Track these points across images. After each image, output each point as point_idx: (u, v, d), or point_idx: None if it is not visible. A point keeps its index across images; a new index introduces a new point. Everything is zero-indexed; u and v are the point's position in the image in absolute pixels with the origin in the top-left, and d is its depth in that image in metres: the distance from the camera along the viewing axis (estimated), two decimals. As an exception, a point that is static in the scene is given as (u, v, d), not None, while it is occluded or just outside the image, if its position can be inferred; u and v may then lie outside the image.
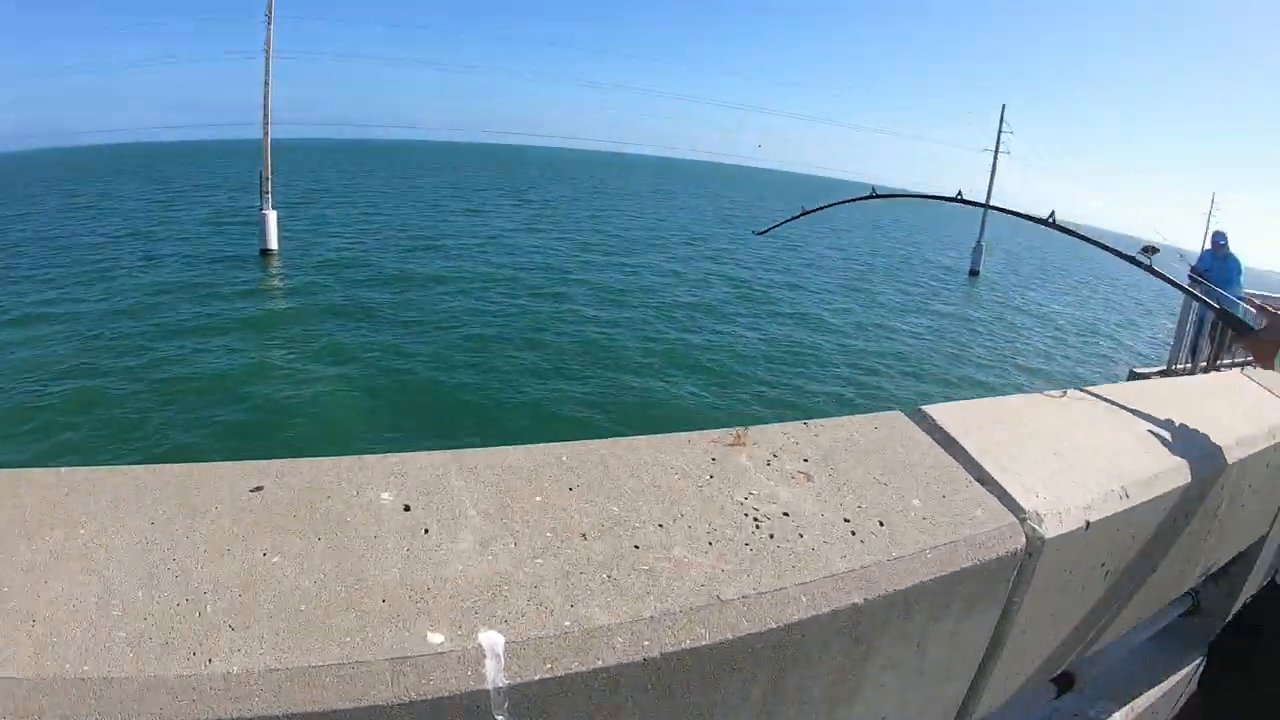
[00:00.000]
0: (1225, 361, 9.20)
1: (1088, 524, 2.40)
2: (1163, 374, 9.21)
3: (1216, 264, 9.00)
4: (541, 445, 1.84)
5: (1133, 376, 9.41)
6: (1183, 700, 3.90)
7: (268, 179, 32.61)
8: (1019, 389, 23.50)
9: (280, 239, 33.35)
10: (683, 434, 2.08)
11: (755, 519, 1.86)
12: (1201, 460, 2.97)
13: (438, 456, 1.72)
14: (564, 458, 1.84)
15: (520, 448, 1.80)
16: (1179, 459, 2.90)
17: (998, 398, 2.89)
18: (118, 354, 19.50)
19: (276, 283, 29.30)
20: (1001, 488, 2.32)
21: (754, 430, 2.17)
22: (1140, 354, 34.87)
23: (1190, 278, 9.28)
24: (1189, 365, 8.99)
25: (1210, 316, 8.79)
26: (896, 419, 2.51)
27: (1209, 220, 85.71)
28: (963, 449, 2.42)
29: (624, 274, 36.41)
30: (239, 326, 22.87)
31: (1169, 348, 10.06)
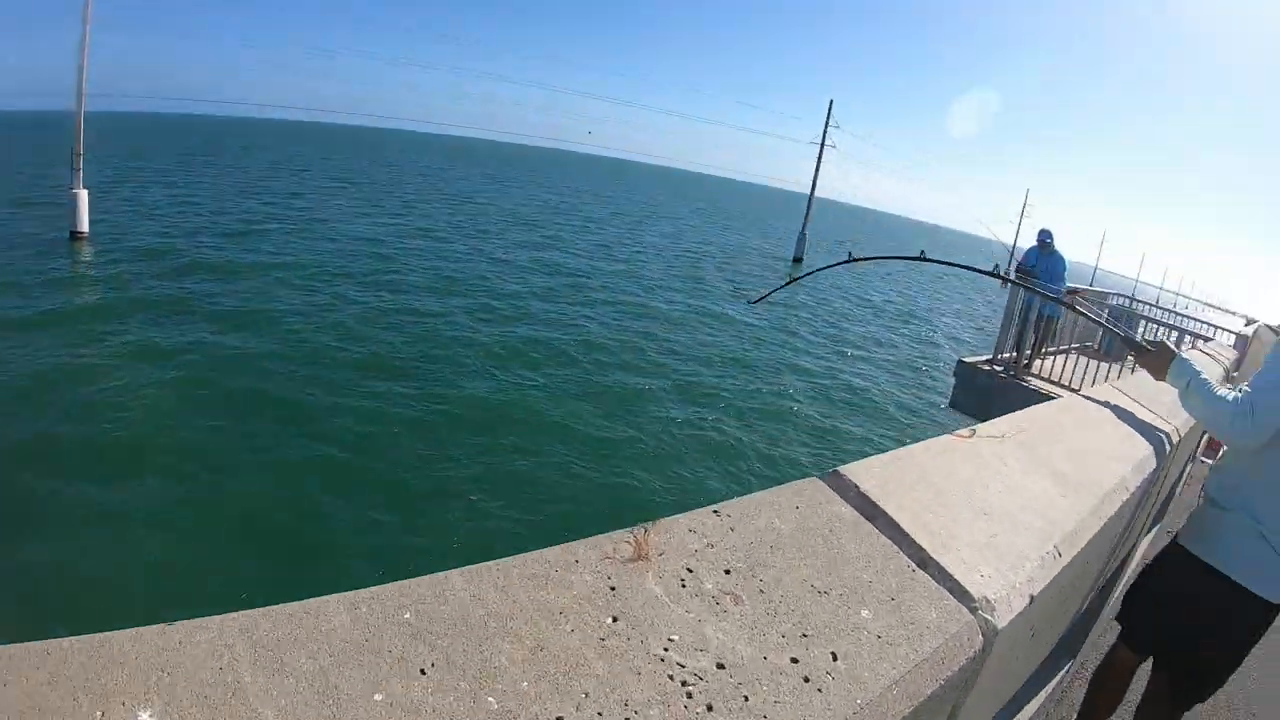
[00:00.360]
0: (1050, 350, 9.93)
1: (1031, 599, 2.11)
2: (989, 362, 9.68)
3: (1043, 260, 9.54)
4: (374, 591, 1.22)
5: (961, 366, 9.83)
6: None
7: (79, 155, 28.72)
8: (851, 374, 24.33)
9: (91, 221, 29.28)
10: (567, 547, 1.47)
11: (684, 682, 1.29)
12: (1111, 495, 2.87)
13: (223, 623, 1.09)
14: (409, 617, 1.19)
15: (346, 603, 1.17)
16: (1092, 499, 2.77)
17: (907, 448, 2.53)
18: None
19: (86, 270, 25.58)
20: (944, 571, 1.93)
21: (655, 531, 1.60)
22: (956, 337, 37.50)
23: (1017, 273, 9.84)
24: (1013, 355, 9.50)
25: (1036, 309, 9.31)
26: (813, 487, 2.03)
27: (1022, 215, 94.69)
28: (893, 522, 2.00)
29: (454, 261, 34.67)
30: (40, 321, 19.69)
31: (994, 336, 10.93)
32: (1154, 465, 3.32)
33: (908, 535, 1.99)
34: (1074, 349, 10.33)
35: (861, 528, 1.94)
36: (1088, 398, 3.83)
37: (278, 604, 1.17)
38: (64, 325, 19.71)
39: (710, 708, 1.28)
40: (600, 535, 1.55)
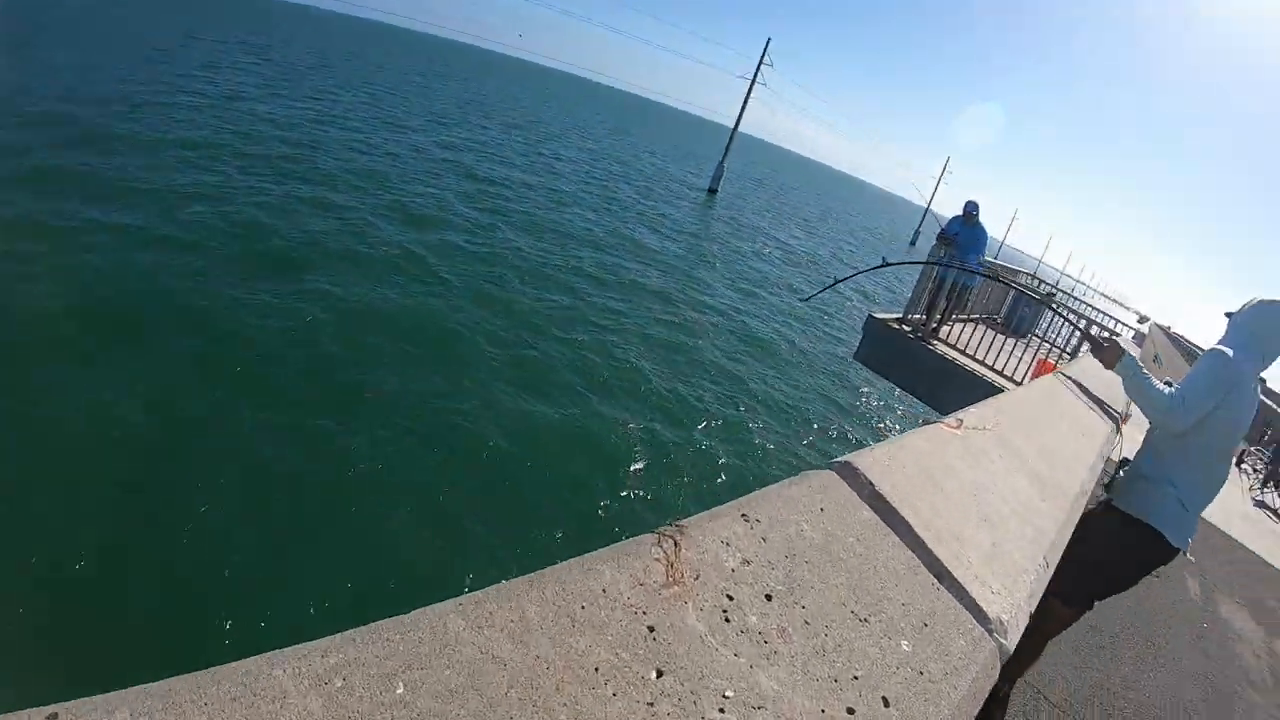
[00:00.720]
0: (959, 317, 10.02)
1: (1030, 617, 1.99)
2: (899, 321, 9.72)
3: (965, 231, 9.54)
4: (348, 647, 0.87)
5: (871, 321, 9.82)
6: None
7: None
8: (757, 316, 24.12)
9: None
10: (588, 567, 1.16)
11: (746, 755, 1.03)
12: (1077, 500, 3.00)
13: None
14: (401, 692, 0.86)
15: (311, 674, 0.82)
16: (1065, 503, 2.84)
17: (906, 437, 2.36)
18: None
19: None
20: (961, 588, 1.77)
21: (685, 542, 1.31)
22: (861, 290, 37.75)
23: (938, 239, 9.88)
24: (923, 318, 9.55)
25: (952, 278, 9.31)
26: (832, 483, 1.81)
27: (939, 181, 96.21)
28: (911, 529, 1.81)
29: (371, 155, 32.31)
30: None
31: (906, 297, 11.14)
32: (1102, 463, 3.46)
33: (926, 546, 1.81)
34: (979, 319, 10.52)
35: (886, 539, 1.74)
36: (1050, 382, 3.82)
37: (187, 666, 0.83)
38: None
39: (779, 787, 1.02)
40: (622, 545, 1.25)
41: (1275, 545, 10.44)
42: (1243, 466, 15.76)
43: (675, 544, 1.28)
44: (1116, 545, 3.39)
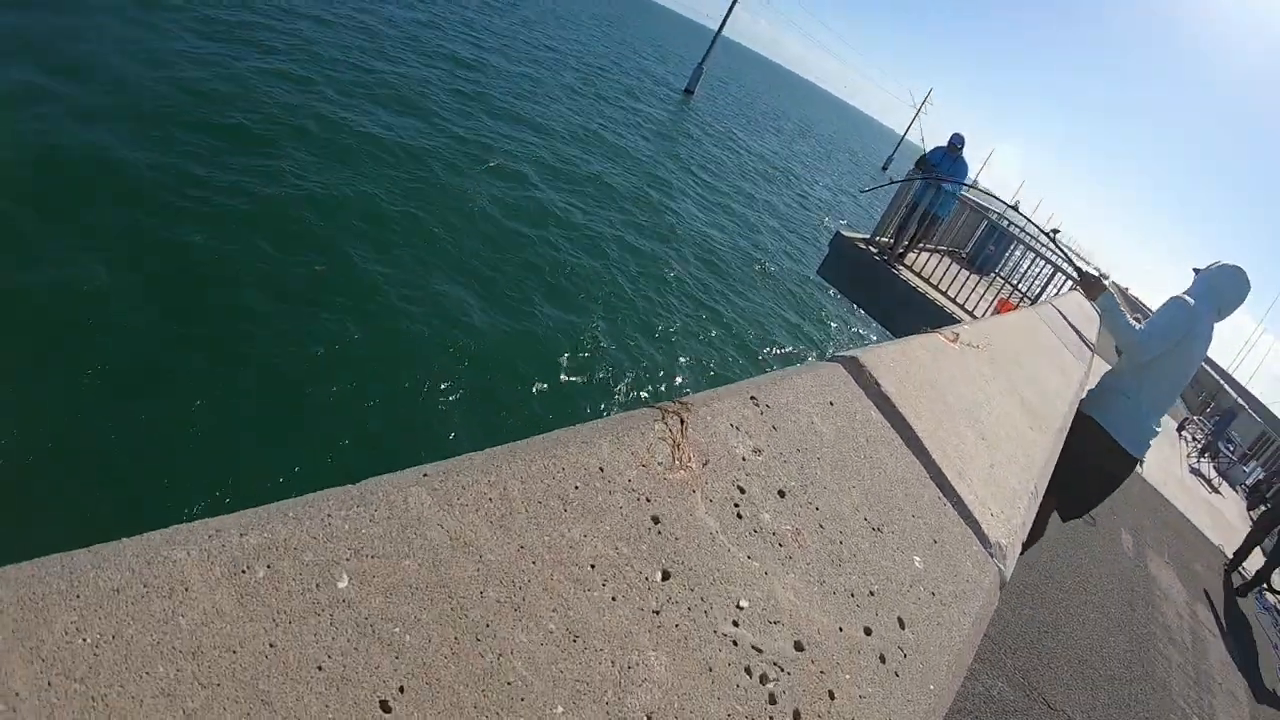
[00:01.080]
0: (925, 247, 9.82)
1: (1022, 546, 1.85)
2: (866, 242, 9.52)
3: (947, 162, 9.29)
4: (275, 521, 0.61)
5: (838, 238, 9.60)
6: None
7: None
8: (712, 217, 23.48)
9: None
10: (582, 437, 0.92)
11: (764, 677, 0.83)
12: (1060, 432, 2.94)
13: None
14: (344, 586, 0.61)
15: (227, 558, 0.57)
16: (1051, 434, 2.77)
17: (906, 341, 2.19)
18: None
19: None
20: (965, 508, 1.63)
21: (691, 421, 1.08)
22: (819, 203, 36.89)
23: (917, 165, 9.63)
24: (891, 242, 9.36)
25: (924, 205, 9.10)
26: (839, 377, 1.62)
27: (919, 110, 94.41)
28: (917, 437, 1.64)
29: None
30: None
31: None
32: (1079, 394, 3.50)
33: (931, 457, 1.64)
34: (945, 251, 10.37)
35: (894, 443, 1.55)
36: (1028, 317, 3.72)
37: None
38: None
39: (798, 715, 0.83)
40: (621, 418, 1.02)
41: (1206, 513, 10.85)
42: (1183, 434, 16.27)
43: (682, 422, 1.05)
44: (1082, 452, 3.72)
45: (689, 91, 50.70)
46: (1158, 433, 3.87)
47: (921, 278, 9.13)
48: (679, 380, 12.35)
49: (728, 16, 53.44)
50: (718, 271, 18.86)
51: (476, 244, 14.03)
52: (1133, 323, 3.81)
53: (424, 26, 33.90)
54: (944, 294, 8.74)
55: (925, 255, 9.85)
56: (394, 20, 33.07)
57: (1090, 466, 3.83)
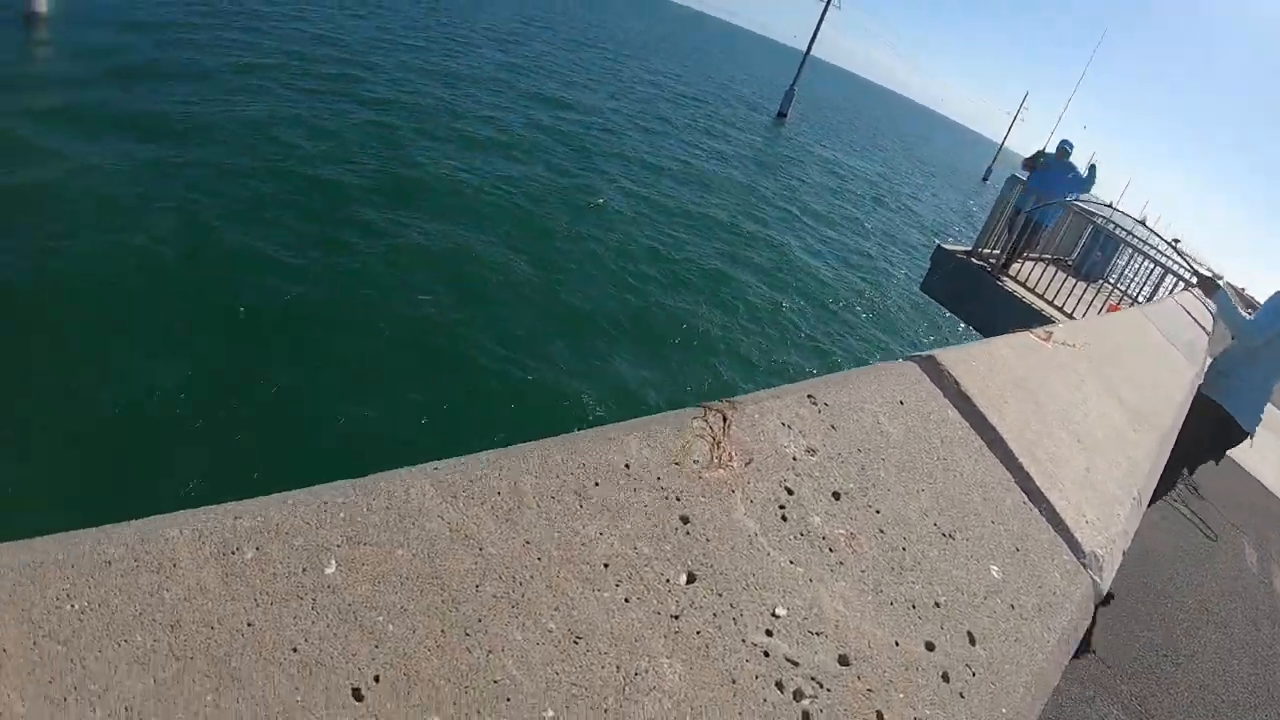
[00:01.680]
0: (1030, 256, 9.26)
1: (1123, 554, 1.66)
2: (968, 254, 9.09)
3: (1057, 168, 8.80)
4: (268, 509, 0.59)
5: (940, 251, 9.22)
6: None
7: None
8: (823, 244, 22.98)
9: (50, 2, 24.47)
10: (609, 436, 0.86)
11: (797, 693, 0.74)
12: (1167, 435, 2.65)
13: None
14: (332, 572, 0.58)
15: (216, 537, 0.56)
16: (1156, 437, 2.49)
17: (992, 341, 2.03)
18: None
19: (45, 48, 21.68)
20: (1055, 514, 1.48)
21: (736, 419, 1.00)
22: (922, 221, 35.34)
23: (1024, 164, 9.16)
24: (995, 252, 8.90)
25: (1025, 213, 8.61)
26: (913, 374, 1.49)
27: (1016, 117, 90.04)
28: (1001, 439, 1.50)
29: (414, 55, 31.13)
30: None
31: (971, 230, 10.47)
32: (1190, 394, 3.58)
33: (1017, 459, 1.49)
34: (1050, 259, 9.77)
35: (973, 444, 1.41)
36: (1133, 316, 3.44)
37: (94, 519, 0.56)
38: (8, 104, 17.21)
39: (840, 744, 0.73)
40: (659, 416, 0.95)
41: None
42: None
43: (725, 420, 0.97)
44: (1199, 424, 3.88)
45: (782, 115, 49.98)
46: (1263, 412, 4.25)
47: (1025, 286, 8.63)
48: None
49: (814, 39, 52.61)
50: (819, 299, 18.35)
51: (576, 278, 14.13)
52: (1245, 314, 4.25)
53: (513, 70, 34.48)
54: (1049, 302, 8.22)
55: (1029, 264, 9.29)
56: (481, 65, 34.00)
57: (1203, 435, 4.06)
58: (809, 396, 1.16)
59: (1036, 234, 9.00)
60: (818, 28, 52.61)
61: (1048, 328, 2.37)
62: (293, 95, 21.26)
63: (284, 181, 15.06)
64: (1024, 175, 8.81)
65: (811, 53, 52.07)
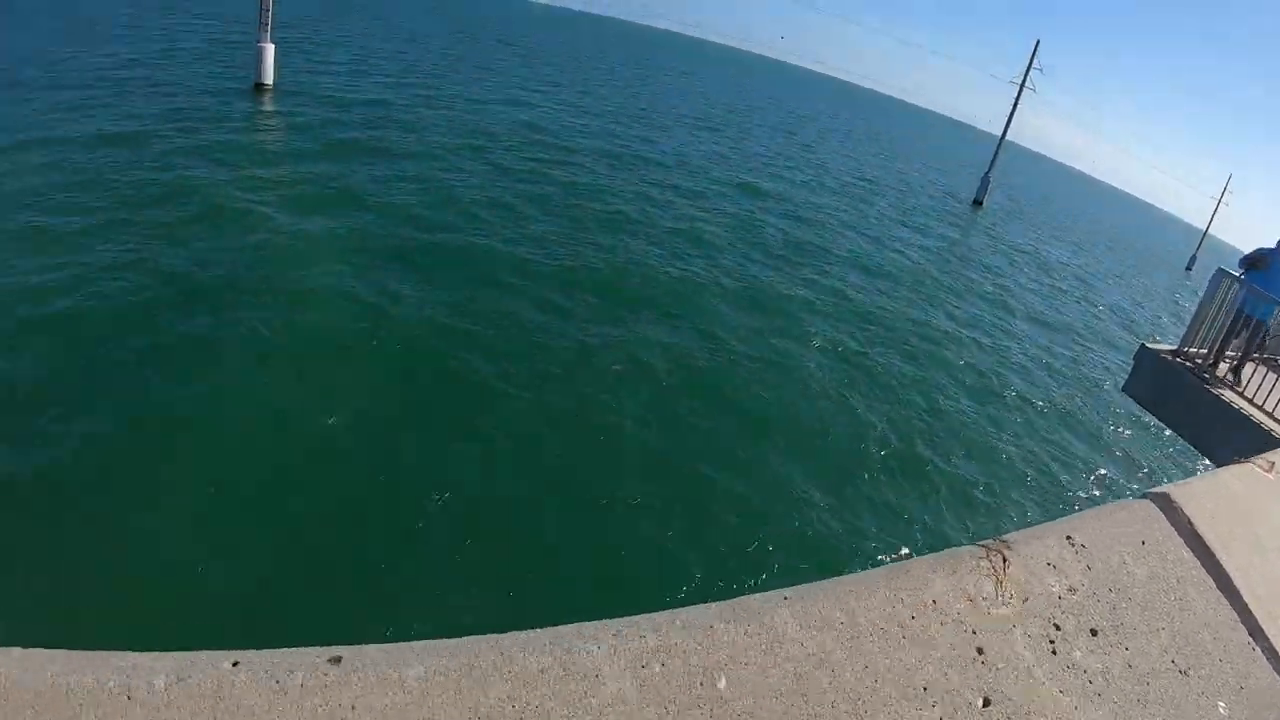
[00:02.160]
0: (1254, 357, 8.21)
1: None
2: (1174, 354, 8.33)
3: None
4: (660, 630, 0.84)
5: (1143, 351, 8.51)
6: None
7: (267, 10, 27.42)
8: (1012, 340, 21.54)
9: (276, 73, 28.07)
10: (918, 566, 1.09)
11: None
12: None
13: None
14: (723, 686, 0.83)
15: (629, 656, 0.80)
16: None
17: (1218, 474, 2.08)
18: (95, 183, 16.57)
19: (266, 120, 24.85)
20: (1276, 653, 1.52)
21: (1013, 558, 1.20)
22: (1128, 317, 32.06)
23: (1241, 263, 8.36)
24: (1206, 353, 8.05)
25: (1246, 313, 7.77)
26: (1151, 515, 1.62)
27: (1220, 201, 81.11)
28: (1228, 579, 1.58)
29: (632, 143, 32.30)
30: (227, 162, 19.54)
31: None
32: None
33: (1243, 600, 1.57)
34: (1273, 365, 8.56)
35: (1205, 584, 1.52)
36: None
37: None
38: (235, 168, 19.49)
39: None
40: (948, 554, 1.17)
41: None
42: None
43: (1004, 560, 1.18)
44: None
45: (978, 203, 48.20)
46: None
47: (1245, 397, 7.78)
48: (987, 513, 11.57)
49: (1010, 122, 50.27)
50: (1013, 401, 17.15)
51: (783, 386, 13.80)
52: None
53: (719, 162, 34.49)
54: (1269, 414, 7.35)
55: (1250, 367, 8.27)
56: (685, 155, 34.46)
57: None
58: (1067, 538, 1.34)
59: (1257, 333, 8.08)
60: (1012, 111, 50.21)
61: (1269, 456, 2.35)
62: (497, 174, 22.90)
63: (487, 260, 16.23)
64: (1238, 271, 7.98)
65: (993, 130, 49.55)
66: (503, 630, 0.79)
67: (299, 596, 7.45)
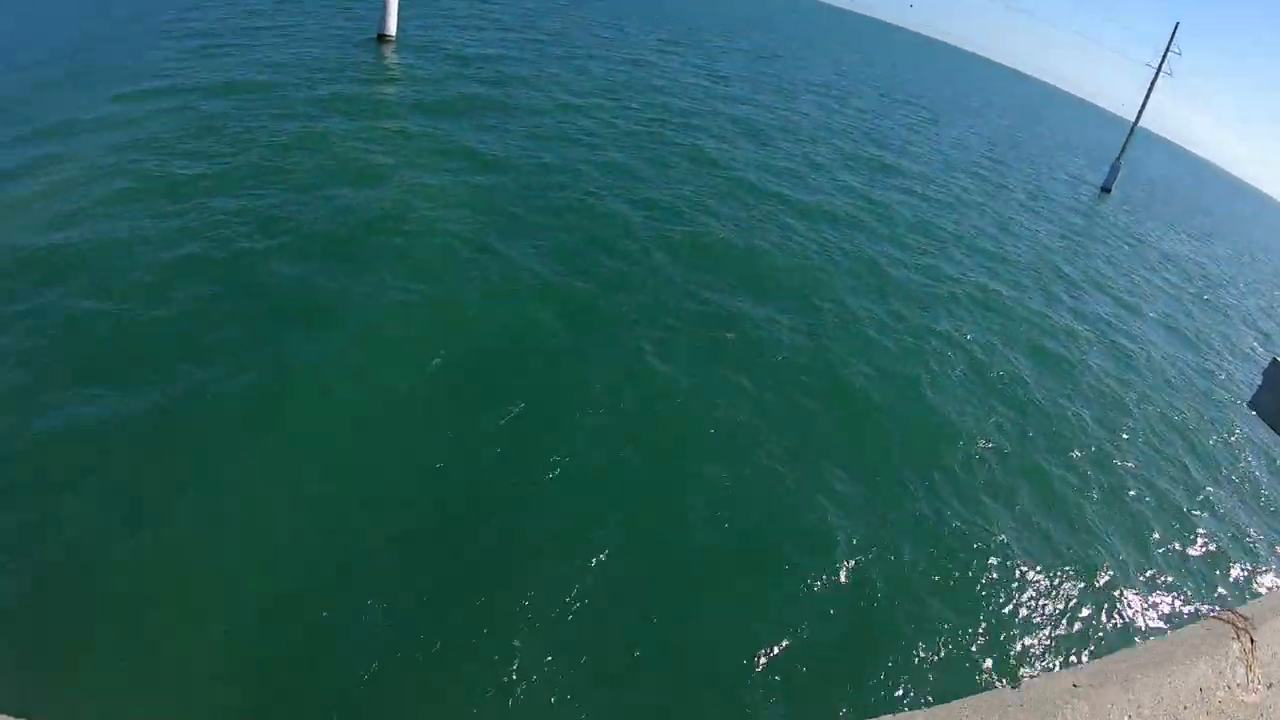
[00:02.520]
0: None
1: None
2: None
3: None
4: None
5: (1272, 366, 7.91)
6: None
7: None
8: (1138, 344, 20.07)
9: (399, 25, 28.25)
10: (1168, 649, 1.10)
11: None
12: None
13: None
14: None
15: None
16: None
17: None
18: (214, 133, 17.17)
19: (388, 71, 25.10)
20: None
21: (1260, 637, 1.20)
22: (1257, 326, 28.97)
23: None
24: None
25: None
26: None
27: None
28: None
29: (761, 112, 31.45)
30: (350, 113, 19.90)
31: None
32: None
33: None
34: None
35: None
36: None
37: None
38: (358, 120, 19.38)
39: None
40: (1191, 632, 1.19)
41: None
42: None
43: (1253, 641, 1.18)
44: None
45: (1106, 190, 45.23)
46: None
47: None
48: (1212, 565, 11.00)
49: (1144, 107, 46.57)
50: (1138, 413, 15.86)
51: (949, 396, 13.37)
52: None
53: (841, 135, 33.02)
54: None
55: None
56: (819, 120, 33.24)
57: None
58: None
59: None
60: (1146, 96, 46.64)
61: None
62: (615, 137, 23.04)
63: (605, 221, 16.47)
64: None
65: (1129, 118, 46.21)
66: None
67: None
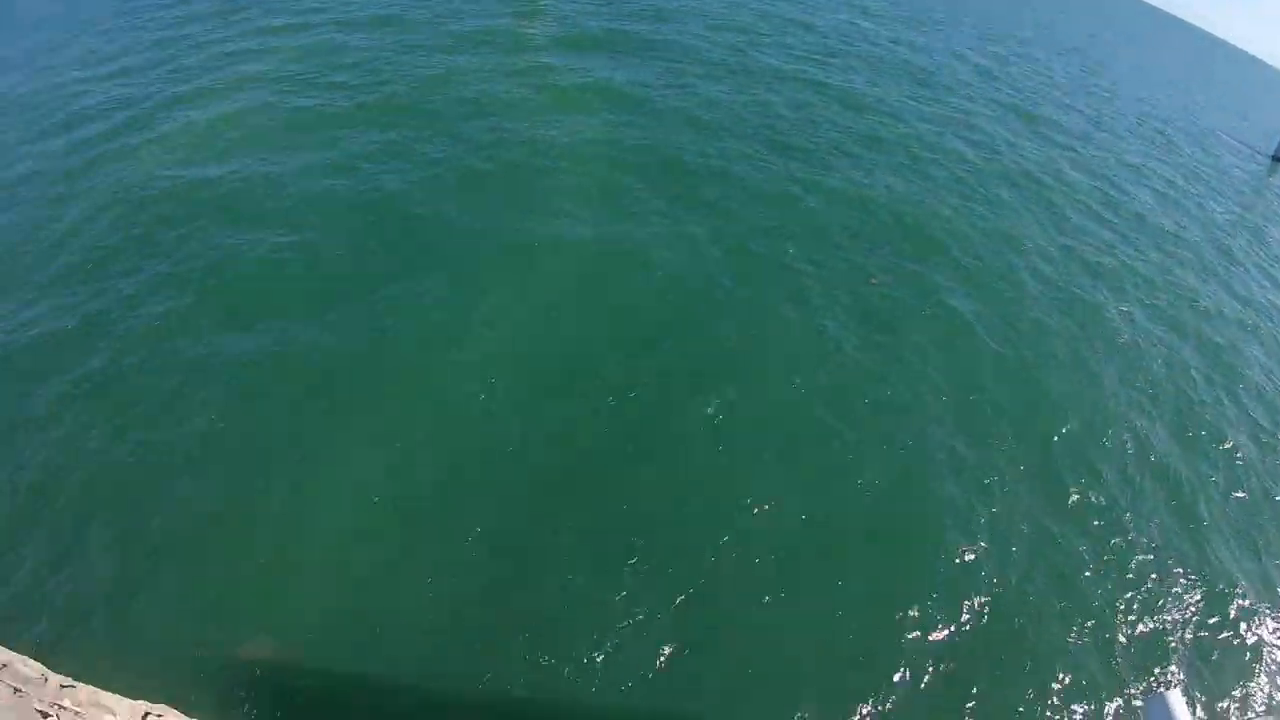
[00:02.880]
0: None
1: None
2: None
3: None
4: None
5: None
6: None
7: None
8: None
9: None
10: None
11: None
12: None
13: None
14: None
15: None
16: None
17: None
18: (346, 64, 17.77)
19: (538, 7, 24.26)
20: None
21: None
22: None
23: None
24: None
25: None
26: None
27: None
28: None
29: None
30: (495, 48, 19.70)
31: None
32: None
33: None
34: None
35: None
36: None
37: None
38: (504, 56, 19.17)
39: None
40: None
41: None
42: None
43: None
44: None
45: (1276, 159, 39.93)
46: None
47: None
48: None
49: None
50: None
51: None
52: None
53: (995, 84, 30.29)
54: None
55: None
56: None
57: None
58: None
59: None
60: None
61: None
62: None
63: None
64: None
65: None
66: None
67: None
